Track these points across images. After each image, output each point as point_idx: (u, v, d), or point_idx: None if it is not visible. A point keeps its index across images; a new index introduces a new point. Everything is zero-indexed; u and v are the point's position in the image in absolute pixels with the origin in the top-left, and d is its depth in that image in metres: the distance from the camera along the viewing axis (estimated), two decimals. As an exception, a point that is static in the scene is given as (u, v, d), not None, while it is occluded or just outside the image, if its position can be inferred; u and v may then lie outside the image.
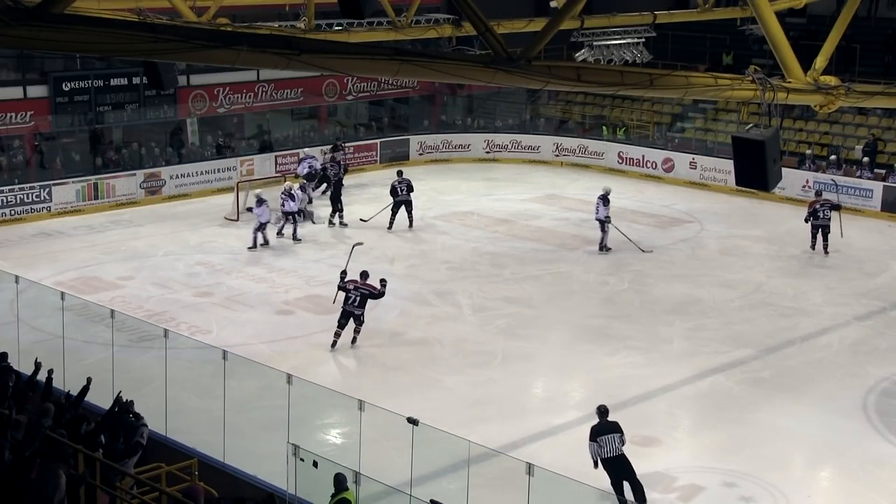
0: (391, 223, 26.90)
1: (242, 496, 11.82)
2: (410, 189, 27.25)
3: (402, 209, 26.89)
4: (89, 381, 14.05)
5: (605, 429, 13.95)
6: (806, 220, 25.30)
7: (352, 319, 18.96)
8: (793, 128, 32.29)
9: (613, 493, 13.74)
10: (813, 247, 25.31)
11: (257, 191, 25.83)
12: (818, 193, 26.10)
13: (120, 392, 13.64)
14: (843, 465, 15.42)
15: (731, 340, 19.82)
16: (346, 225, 27.15)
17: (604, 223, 25.00)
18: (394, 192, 27.04)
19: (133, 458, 12.73)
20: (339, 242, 25.76)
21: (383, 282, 19.21)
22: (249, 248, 24.96)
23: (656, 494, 14.23)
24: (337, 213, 27.31)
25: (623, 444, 13.84)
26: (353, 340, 19.18)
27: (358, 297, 18.92)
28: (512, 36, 19.59)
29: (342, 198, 27.62)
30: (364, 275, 19.29)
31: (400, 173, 27.80)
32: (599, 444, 13.78)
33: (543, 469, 11.44)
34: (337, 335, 18.98)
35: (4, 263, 22.20)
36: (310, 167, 29.80)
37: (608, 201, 24.95)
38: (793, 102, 12.16)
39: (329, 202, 27.90)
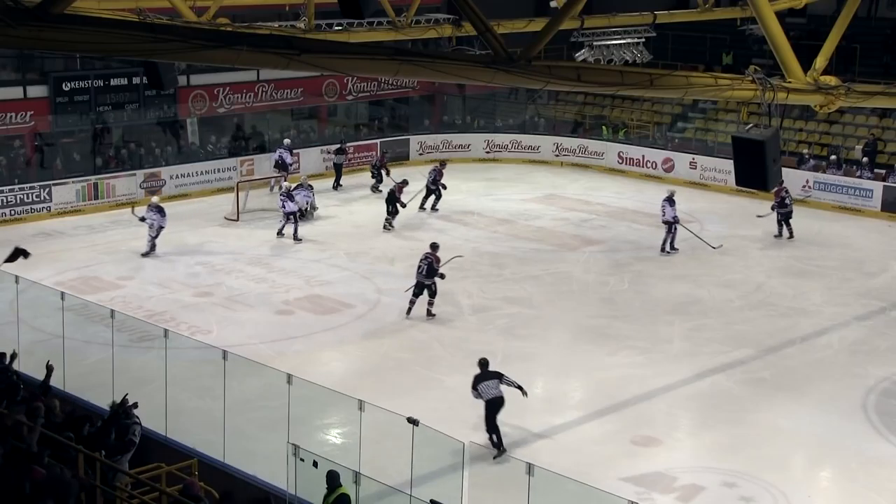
0: (421, 205, 28.62)
1: (229, 491, 11.78)
2: (434, 181, 28.49)
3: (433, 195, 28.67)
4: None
5: (485, 377, 15.74)
6: (773, 209, 26.31)
7: (425, 291, 20.50)
8: (793, 128, 32.28)
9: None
10: (780, 234, 26.40)
11: (155, 198, 25.40)
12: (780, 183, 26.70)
13: (126, 395, 13.65)
14: (843, 465, 15.42)
15: (731, 340, 19.82)
16: (390, 228, 27.04)
17: (672, 224, 25.22)
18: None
19: (126, 455, 12.73)
20: (339, 243, 25.77)
21: (442, 275, 20.60)
22: (143, 254, 24.25)
23: (656, 494, 14.25)
24: (388, 215, 27.20)
25: (500, 385, 15.60)
26: (428, 313, 20.56)
27: (425, 266, 20.44)
28: (512, 36, 19.60)
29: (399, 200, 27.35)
30: (434, 246, 20.98)
31: (442, 164, 29.47)
32: (480, 390, 15.58)
33: (543, 469, 11.44)
34: (411, 303, 20.55)
35: (4, 263, 22.14)
36: (279, 157, 30.43)
37: (674, 202, 25.24)
38: (793, 102, 12.16)
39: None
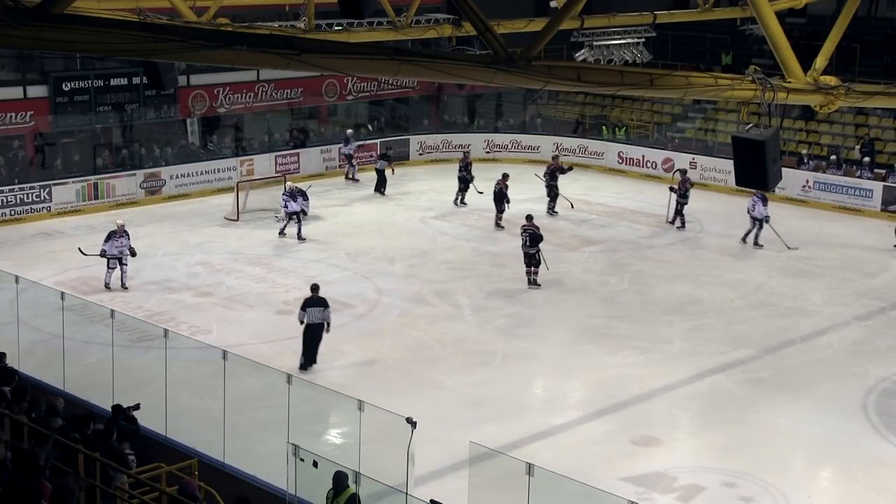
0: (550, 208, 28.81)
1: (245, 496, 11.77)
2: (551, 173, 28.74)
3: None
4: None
5: (313, 302, 17.88)
6: (673, 191, 27.28)
7: (529, 261, 22.29)
8: (793, 128, 32.29)
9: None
10: (674, 221, 27.34)
11: (120, 221, 22.87)
12: (683, 172, 28.09)
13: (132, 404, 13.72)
14: (843, 465, 15.43)
15: (731, 340, 19.82)
16: (502, 227, 27.11)
17: (762, 221, 25.59)
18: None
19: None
20: (339, 243, 25.77)
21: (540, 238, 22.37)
22: (124, 286, 21.93)
23: (656, 494, 14.25)
24: (498, 213, 27.20)
25: (324, 315, 17.81)
26: (534, 282, 22.34)
27: (527, 237, 22.24)
28: (512, 36, 19.59)
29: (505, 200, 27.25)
30: (529, 217, 22.80)
31: (555, 158, 29.87)
32: (308, 313, 17.76)
33: (543, 469, 11.44)
34: (528, 273, 22.41)
35: (4, 263, 22.17)
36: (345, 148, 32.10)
37: (767, 200, 25.63)
38: (793, 102, 12.14)
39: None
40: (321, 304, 17.96)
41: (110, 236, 22.06)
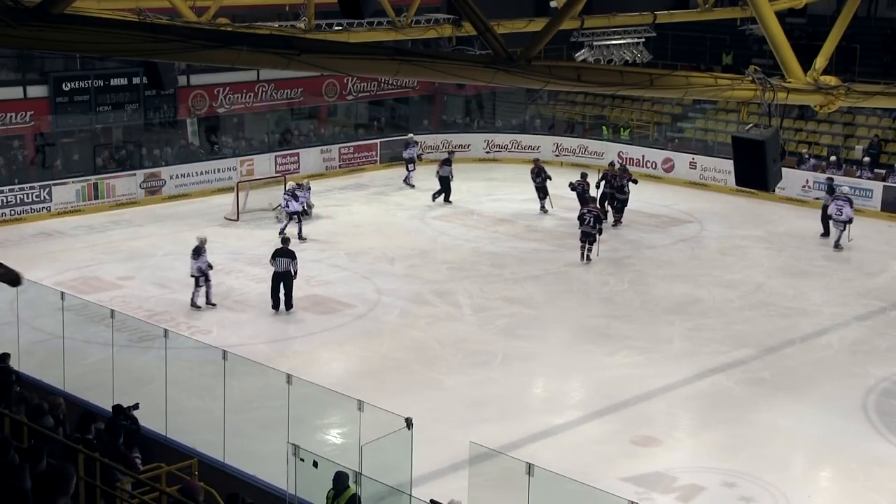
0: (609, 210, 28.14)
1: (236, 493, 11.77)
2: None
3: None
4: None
5: (280, 253, 20.65)
6: (602, 184, 27.64)
7: (588, 239, 24.12)
8: (793, 128, 32.29)
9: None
10: (615, 224, 27.44)
11: (200, 235, 21.60)
12: (624, 169, 28.37)
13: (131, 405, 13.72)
14: (843, 465, 15.43)
15: (731, 340, 19.82)
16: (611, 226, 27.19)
17: (847, 224, 25.50)
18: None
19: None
20: (339, 243, 25.77)
21: (601, 230, 24.33)
22: (212, 303, 21.04)
23: (656, 494, 14.25)
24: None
25: (290, 265, 20.45)
26: (589, 259, 24.14)
27: (592, 218, 24.09)
28: (512, 36, 19.58)
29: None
30: (594, 199, 25.34)
31: (619, 165, 29.22)
32: (276, 261, 20.52)
33: (543, 469, 11.44)
34: (582, 248, 24.25)
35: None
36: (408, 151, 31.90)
37: (853, 203, 25.79)
38: (793, 102, 12.13)
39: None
40: (288, 256, 20.57)
41: (197, 253, 20.84)
